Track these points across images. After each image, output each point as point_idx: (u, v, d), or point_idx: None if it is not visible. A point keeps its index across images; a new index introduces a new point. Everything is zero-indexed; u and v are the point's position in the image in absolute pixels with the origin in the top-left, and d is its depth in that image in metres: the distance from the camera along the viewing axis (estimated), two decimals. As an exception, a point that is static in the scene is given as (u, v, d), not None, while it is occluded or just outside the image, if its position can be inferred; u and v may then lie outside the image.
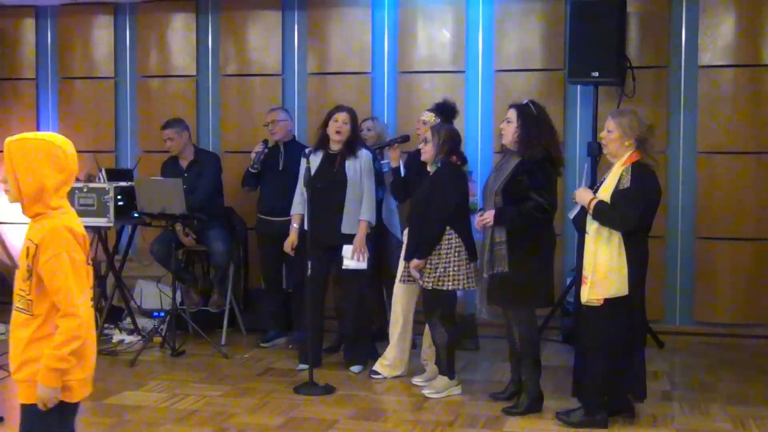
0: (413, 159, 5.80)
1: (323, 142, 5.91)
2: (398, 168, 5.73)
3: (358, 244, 5.76)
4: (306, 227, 5.79)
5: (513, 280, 4.94)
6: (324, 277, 5.98)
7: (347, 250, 5.76)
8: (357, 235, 5.77)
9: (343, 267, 5.80)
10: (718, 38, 6.84)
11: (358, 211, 5.80)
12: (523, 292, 4.97)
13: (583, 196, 4.72)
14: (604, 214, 4.58)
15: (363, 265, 5.79)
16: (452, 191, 5.28)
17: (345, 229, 5.78)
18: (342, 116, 5.86)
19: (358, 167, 5.81)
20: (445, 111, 5.79)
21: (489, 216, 4.97)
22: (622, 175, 4.61)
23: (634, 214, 4.55)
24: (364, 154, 5.86)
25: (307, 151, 6.04)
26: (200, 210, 6.54)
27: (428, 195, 5.27)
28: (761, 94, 6.79)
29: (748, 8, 6.80)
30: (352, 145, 5.85)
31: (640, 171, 4.60)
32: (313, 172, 5.78)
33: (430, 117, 5.73)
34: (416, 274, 5.28)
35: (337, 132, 5.82)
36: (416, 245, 5.30)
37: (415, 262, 5.26)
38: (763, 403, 5.26)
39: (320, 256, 5.81)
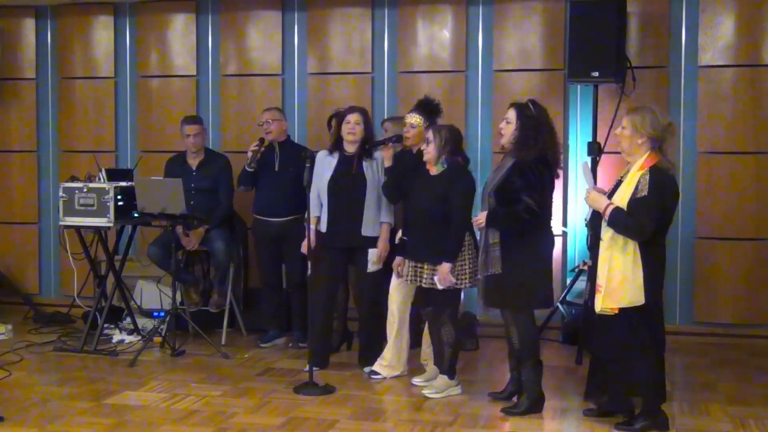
0: (402, 160, 5.77)
1: (339, 143, 5.91)
2: (392, 168, 5.72)
3: (382, 247, 5.76)
4: (316, 228, 5.85)
5: (508, 282, 4.94)
6: (338, 278, 5.98)
7: (373, 253, 5.76)
8: (381, 238, 5.78)
9: (368, 270, 5.80)
10: (718, 38, 6.83)
11: (378, 214, 5.80)
12: (518, 294, 4.96)
13: (598, 201, 4.64)
14: (621, 222, 4.52)
15: (380, 266, 5.81)
16: (469, 192, 5.32)
17: (366, 231, 5.78)
18: (354, 117, 5.86)
19: (375, 168, 5.80)
20: (429, 109, 5.77)
21: (481, 217, 4.99)
22: (639, 181, 4.53)
23: (651, 224, 4.48)
24: (380, 156, 5.84)
25: (308, 153, 6.05)
26: (228, 217, 6.78)
27: (442, 197, 5.26)
28: (761, 94, 6.79)
29: (748, 8, 6.80)
30: (369, 146, 5.85)
31: (657, 177, 4.52)
32: (330, 174, 5.81)
33: (416, 120, 5.70)
34: (450, 280, 5.21)
35: (350, 133, 5.83)
36: (439, 249, 5.24)
37: (447, 266, 5.21)
38: (763, 403, 5.26)
39: (336, 258, 5.83)
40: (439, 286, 5.23)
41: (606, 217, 4.57)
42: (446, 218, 5.23)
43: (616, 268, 4.54)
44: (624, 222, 4.52)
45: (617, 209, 4.55)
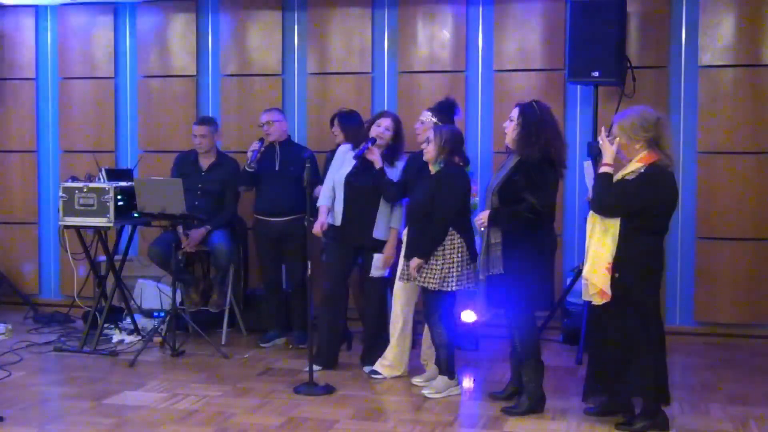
0: (415, 160, 5.78)
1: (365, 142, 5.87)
2: (382, 169, 5.69)
3: (389, 253, 5.76)
4: (328, 221, 5.89)
5: (509, 282, 4.93)
6: (346, 274, 5.98)
7: (378, 259, 5.77)
8: (388, 244, 5.77)
9: (371, 275, 5.81)
10: (718, 38, 6.84)
11: (389, 218, 5.79)
12: (520, 295, 4.95)
13: (607, 151, 4.64)
14: (598, 186, 4.63)
15: (386, 272, 5.82)
16: (456, 192, 5.28)
17: (377, 234, 5.77)
18: (385, 122, 5.84)
19: (395, 175, 5.76)
20: (444, 110, 5.78)
21: (483, 217, 4.98)
22: (634, 170, 4.57)
23: (613, 205, 4.56)
24: (401, 164, 5.82)
25: (308, 154, 6.06)
26: (230, 221, 6.79)
27: (431, 195, 5.26)
28: (761, 94, 6.79)
29: (748, 8, 6.80)
30: (395, 151, 5.81)
31: (652, 172, 4.55)
32: (348, 170, 5.80)
33: (426, 117, 5.73)
34: (415, 274, 5.27)
35: (379, 137, 5.78)
36: (417, 244, 5.30)
37: (415, 261, 5.26)
38: (763, 403, 5.26)
39: (345, 255, 5.84)
40: (418, 280, 5.26)
41: (598, 170, 4.68)
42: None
43: (589, 253, 4.63)
44: (600, 188, 4.62)
45: (606, 174, 4.61)
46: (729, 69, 6.84)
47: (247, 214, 7.01)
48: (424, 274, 5.25)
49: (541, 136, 4.90)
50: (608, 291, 4.56)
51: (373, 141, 5.77)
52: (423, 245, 5.25)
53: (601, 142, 4.72)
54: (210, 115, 7.66)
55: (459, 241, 5.23)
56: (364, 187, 5.78)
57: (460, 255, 5.22)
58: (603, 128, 4.79)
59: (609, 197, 4.58)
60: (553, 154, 4.92)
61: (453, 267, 5.21)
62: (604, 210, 4.60)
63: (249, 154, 6.52)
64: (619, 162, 4.68)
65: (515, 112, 5.01)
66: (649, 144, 4.60)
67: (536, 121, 4.93)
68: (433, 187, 5.28)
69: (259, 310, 6.97)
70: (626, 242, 4.55)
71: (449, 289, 5.24)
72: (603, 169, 4.64)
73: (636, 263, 4.56)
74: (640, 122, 4.60)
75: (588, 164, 4.96)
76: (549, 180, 4.93)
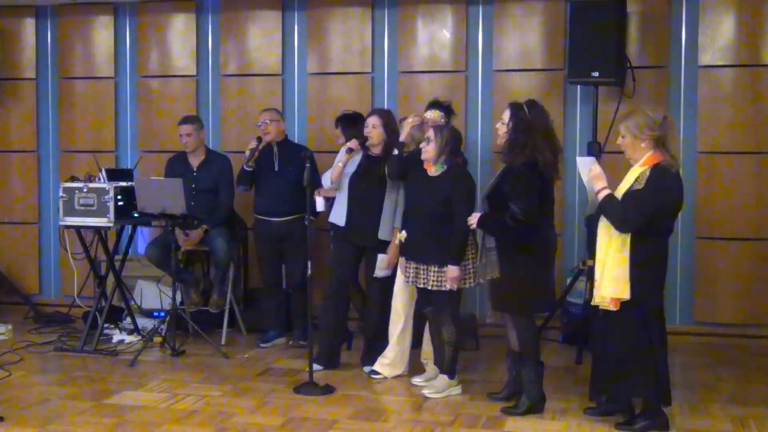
0: (409, 159, 5.75)
1: (365, 144, 5.86)
2: (379, 156, 5.73)
3: (393, 253, 5.73)
4: (330, 219, 5.96)
5: (507, 286, 4.92)
6: (350, 275, 5.99)
7: (382, 259, 5.76)
8: (392, 244, 5.73)
9: (374, 275, 5.80)
10: (718, 38, 6.83)
11: (394, 219, 5.77)
12: (517, 298, 4.94)
13: (596, 179, 4.62)
14: (608, 209, 4.55)
15: (389, 272, 5.80)
16: (470, 192, 5.30)
17: (382, 234, 5.75)
18: (370, 120, 5.84)
19: None
20: (447, 112, 5.79)
21: (473, 219, 4.98)
22: (639, 176, 4.54)
23: (635, 218, 4.48)
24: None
25: (308, 152, 6.05)
26: (225, 217, 6.78)
27: (444, 199, 5.23)
28: (761, 94, 6.78)
29: (748, 8, 6.80)
30: (390, 147, 5.78)
31: (658, 174, 4.51)
32: (353, 170, 5.82)
33: (436, 114, 5.70)
34: (454, 284, 5.21)
35: (366, 135, 5.80)
36: (444, 251, 5.23)
37: (453, 269, 5.20)
38: (763, 403, 5.26)
39: (349, 255, 5.84)
40: (448, 287, 5.22)
41: (599, 200, 4.60)
42: (448, 220, 5.22)
43: (601, 259, 4.58)
44: (612, 209, 4.54)
45: (610, 195, 4.57)
46: (729, 69, 6.84)
47: (247, 214, 7.01)
48: (441, 276, 5.24)
49: (527, 143, 4.83)
50: (623, 296, 4.54)
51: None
52: (455, 251, 5.20)
53: (589, 176, 4.68)
54: (211, 115, 7.68)
55: (471, 238, 5.25)
56: (368, 188, 5.77)
57: (473, 252, 5.25)
58: (594, 163, 4.75)
59: (627, 213, 4.50)
60: (540, 160, 4.83)
61: (470, 264, 5.24)
62: (627, 226, 4.50)
63: (247, 153, 6.53)
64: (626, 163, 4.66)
65: (506, 115, 4.98)
66: (655, 143, 4.58)
67: (525, 126, 4.87)
68: (443, 191, 5.25)
69: (259, 310, 6.97)
70: (635, 245, 4.52)
71: (468, 287, 5.27)
72: (603, 193, 4.59)
73: (643, 265, 4.53)
74: (645, 121, 4.57)
75: (580, 161, 4.87)
76: (532, 187, 4.83)
